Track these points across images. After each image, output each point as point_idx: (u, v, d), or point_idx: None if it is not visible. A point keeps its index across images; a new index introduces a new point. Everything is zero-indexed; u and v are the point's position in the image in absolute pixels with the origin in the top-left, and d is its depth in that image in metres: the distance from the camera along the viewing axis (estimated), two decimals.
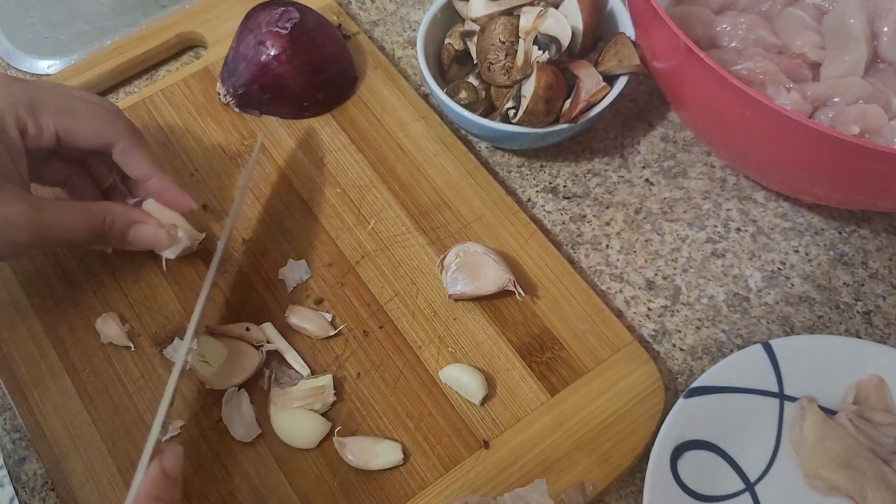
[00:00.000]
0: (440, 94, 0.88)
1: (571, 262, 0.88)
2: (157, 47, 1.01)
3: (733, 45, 0.89)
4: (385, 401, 0.77)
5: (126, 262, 0.85)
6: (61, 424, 0.77)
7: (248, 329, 0.80)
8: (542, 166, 0.95)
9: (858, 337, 0.83)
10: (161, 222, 0.81)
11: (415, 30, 1.07)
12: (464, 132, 0.96)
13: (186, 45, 1.04)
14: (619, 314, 0.85)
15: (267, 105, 0.95)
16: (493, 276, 0.80)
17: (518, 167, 0.95)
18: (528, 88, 0.84)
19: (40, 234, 0.72)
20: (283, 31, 0.91)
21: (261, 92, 0.94)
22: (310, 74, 0.94)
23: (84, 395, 0.78)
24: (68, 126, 0.75)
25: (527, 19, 0.86)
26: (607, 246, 0.89)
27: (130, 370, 0.80)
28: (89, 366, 0.80)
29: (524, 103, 0.84)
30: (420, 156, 0.91)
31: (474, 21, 0.90)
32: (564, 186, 0.93)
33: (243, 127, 0.94)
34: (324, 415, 0.76)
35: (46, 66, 1.02)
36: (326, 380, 0.77)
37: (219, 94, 0.96)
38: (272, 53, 0.92)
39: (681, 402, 0.75)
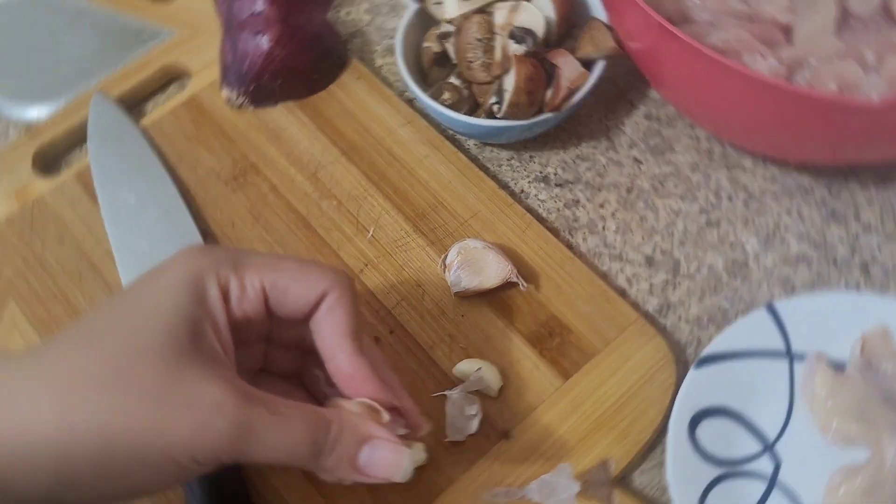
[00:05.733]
0: (424, 97, 0.90)
1: (570, 247, 0.89)
2: (142, 83, 1.02)
3: (705, 17, 0.89)
4: None
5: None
6: None
7: None
8: (531, 157, 0.96)
9: (859, 290, 0.85)
10: (402, 442, 0.63)
11: (392, 38, 1.06)
12: (451, 132, 0.98)
13: (170, 77, 1.05)
14: (623, 293, 0.86)
15: (281, 91, 0.98)
16: (495, 270, 0.81)
17: (508, 160, 0.96)
18: (510, 82, 0.86)
19: (241, 437, 0.56)
20: (271, 15, 0.95)
21: (273, 80, 0.96)
22: (311, 48, 0.97)
23: None
24: (276, 280, 0.62)
25: (501, 15, 0.88)
26: (603, 228, 0.90)
27: None
28: None
29: (507, 97, 0.86)
30: (411, 160, 0.92)
31: (449, 22, 0.92)
32: (555, 174, 0.95)
33: (235, 151, 0.95)
34: None
35: (35, 113, 1.02)
36: None
37: (229, 100, 0.98)
38: (272, 40, 0.94)
39: (692, 372, 0.76)
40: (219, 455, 0.55)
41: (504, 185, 0.94)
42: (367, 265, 0.86)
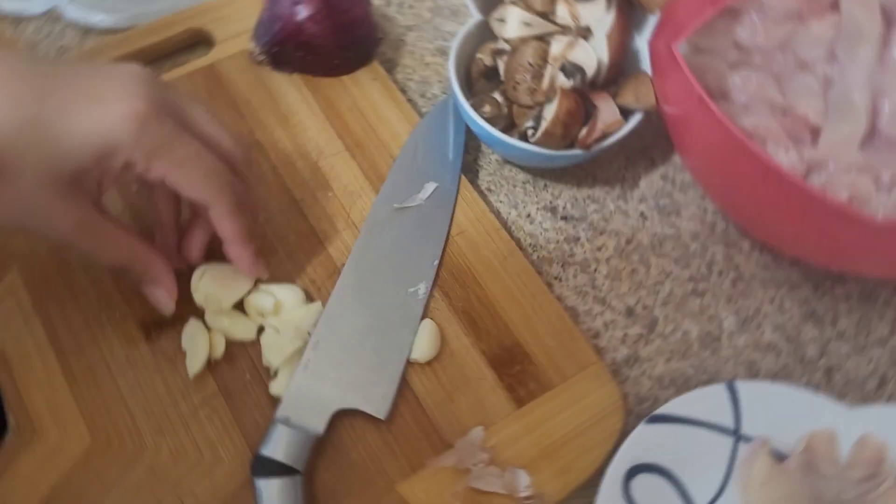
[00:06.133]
0: (466, 104, 0.99)
1: (559, 279, 0.99)
2: (165, 41, 1.11)
3: (742, 99, 0.97)
4: None
5: None
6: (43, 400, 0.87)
7: None
8: (545, 185, 1.06)
9: (818, 390, 0.92)
10: (170, 288, 0.88)
11: (446, 40, 1.18)
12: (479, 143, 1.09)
13: (194, 41, 1.14)
14: (597, 335, 0.96)
15: (300, 63, 1.08)
16: None
17: (523, 183, 1.06)
18: (550, 112, 0.95)
19: (72, 245, 0.81)
20: None
21: (295, 50, 1.06)
22: (341, 34, 1.06)
23: (68, 374, 0.88)
24: (177, 179, 0.80)
25: (557, 46, 0.98)
26: (595, 270, 1.00)
27: (116, 353, 0.89)
28: (76, 345, 0.89)
29: (543, 125, 0.95)
30: None
31: (507, 41, 1.01)
32: (564, 207, 1.05)
33: (243, 125, 1.05)
34: None
35: (98, 20, 1.15)
36: None
37: (252, 53, 1.09)
38: (307, 14, 1.04)
39: (642, 426, 0.85)
40: (55, 234, 0.79)
41: (513, 206, 1.04)
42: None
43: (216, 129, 0.84)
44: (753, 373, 0.95)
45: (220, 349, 0.90)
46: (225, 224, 0.85)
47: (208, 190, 0.82)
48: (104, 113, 0.74)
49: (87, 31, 1.16)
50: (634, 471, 0.83)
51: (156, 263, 0.87)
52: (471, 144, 1.08)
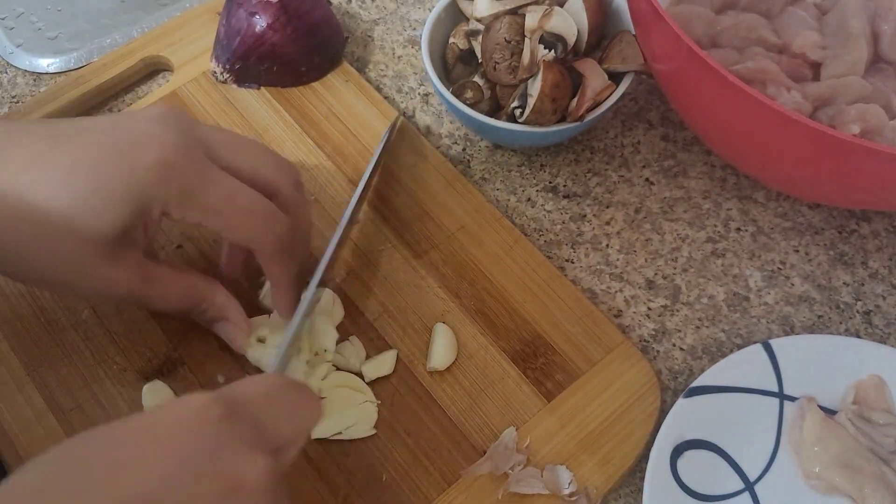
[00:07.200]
0: (446, 93, 0.99)
1: (571, 261, 0.99)
2: (122, 74, 1.11)
3: (734, 44, 0.97)
4: (381, 419, 0.87)
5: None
6: None
7: None
8: (542, 165, 1.06)
9: (858, 337, 0.94)
10: (240, 322, 0.88)
11: (415, 29, 1.19)
12: (445, 142, 1.08)
13: (152, 70, 1.15)
14: (619, 314, 0.96)
15: (266, 76, 1.08)
16: None
17: (518, 166, 1.06)
18: (535, 87, 0.94)
19: (133, 298, 0.82)
20: (273, 0, 1.04)
21: (259, 63, 1.06)
22: (305, 39, 1.07)
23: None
24: (214, 224, 0.80)
25: (532, 18, 0.97)
26: (607, 245, 1.00)
27: (119, 407, 0.88)
28: (76, 405, 0.88)
29: (531, 102, 0.94)
30: (397, 167, 1.02)
31: (479, 20, 1.00)
32: (564, 185, 1.04)
33: None
34: None
35: (46, 64, 1.16)
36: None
37: (214, 73, 1.09)
38: (266, 23, 1.04)
39: (680, 401, 0.85)
40: (117, 292, 0.81)
41: (512, 191, 1.04)
42: (348, 274, 0.95)
43: (253, 157, 0.83)
44: (788, 328, 0.95)
45: None
46: (272, 268, 0.86)
47: (249, 233, 0.82)
48: (130, 167, 0.74)
49: (39, 75, 1.16)
50: (679, 449, 0.84)
51: (220, 299, 0.88)
52: (458, 134, 1.08)
